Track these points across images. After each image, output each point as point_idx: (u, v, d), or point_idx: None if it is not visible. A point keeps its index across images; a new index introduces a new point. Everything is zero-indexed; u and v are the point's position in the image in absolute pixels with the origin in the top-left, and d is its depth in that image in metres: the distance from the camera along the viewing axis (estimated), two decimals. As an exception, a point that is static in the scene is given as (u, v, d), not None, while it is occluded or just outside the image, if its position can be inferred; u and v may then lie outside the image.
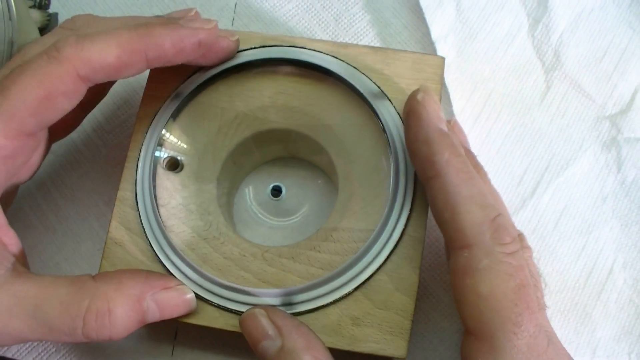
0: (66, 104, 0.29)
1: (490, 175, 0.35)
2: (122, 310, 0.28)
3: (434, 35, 0.40)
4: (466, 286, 0.26)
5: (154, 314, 0.29)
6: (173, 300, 0.30)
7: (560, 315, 0.35)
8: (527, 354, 0.25)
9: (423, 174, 0.28)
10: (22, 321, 0.27)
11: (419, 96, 0.29)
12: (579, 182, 0.38)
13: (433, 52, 0.41)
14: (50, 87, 0.28)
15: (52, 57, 0.28)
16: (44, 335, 0.28)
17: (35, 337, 0.28)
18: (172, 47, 0.29)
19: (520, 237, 0.29)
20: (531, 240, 0.36)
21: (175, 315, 0.30)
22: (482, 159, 0.36)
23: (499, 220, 0.26)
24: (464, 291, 0.26)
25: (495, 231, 0.26)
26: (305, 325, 0.29)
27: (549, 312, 0.35)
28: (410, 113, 0.29)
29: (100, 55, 0.28)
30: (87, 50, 0.28)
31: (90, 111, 0.36)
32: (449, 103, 0.39)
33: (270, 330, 0.28)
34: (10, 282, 0.28)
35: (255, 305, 0.30)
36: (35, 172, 0.33)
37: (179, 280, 0.31)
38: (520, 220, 0.36)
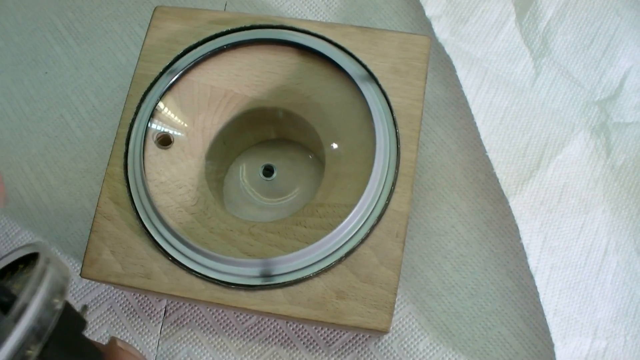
0: None
1: (496, 144, 0.35)
2: None
3: (429, 12, 0.40)
4: None
5: None
6: None
7: (566, 292, 0.35)
8: None
9: None
10: None
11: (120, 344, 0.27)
12: (574, 163, 0.38)
13: (426, 34, 0.41)
14: None
15: None
16: None
17: None
18: None
19: None
20: (540, 212, 0.36)
21: None
22: (487, 128, 0.37)
23: None
24: None
25: None
26: None
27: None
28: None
29: None
30: None
31: None
32: (453, 69, 0.39)
33: None
34: None
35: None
36: None
37: None
38: (530, 190, 0.36)
